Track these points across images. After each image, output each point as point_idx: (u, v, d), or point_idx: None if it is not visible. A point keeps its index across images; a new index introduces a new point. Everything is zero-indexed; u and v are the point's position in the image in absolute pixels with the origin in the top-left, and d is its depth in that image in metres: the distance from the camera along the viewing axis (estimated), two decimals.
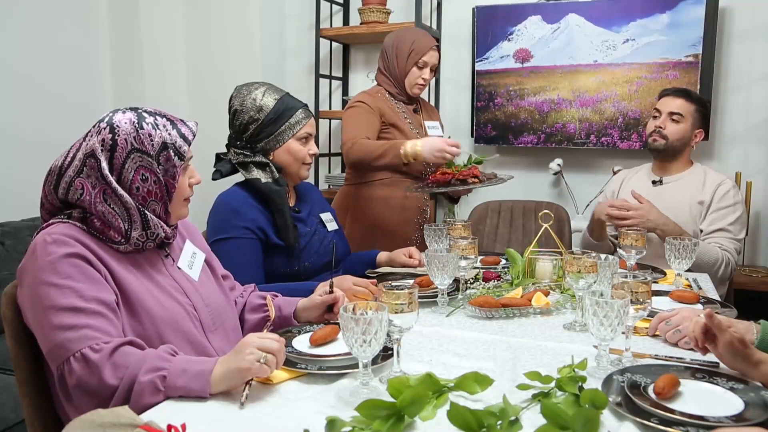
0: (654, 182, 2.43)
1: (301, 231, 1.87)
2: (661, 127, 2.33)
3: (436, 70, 2.46)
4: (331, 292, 1.48)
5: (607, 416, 1.03)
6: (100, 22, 3.48)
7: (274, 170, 1.82)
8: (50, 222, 1.22)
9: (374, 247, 2.17)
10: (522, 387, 1.11)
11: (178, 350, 1.16)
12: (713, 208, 2.30)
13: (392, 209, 2.42)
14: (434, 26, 3.55)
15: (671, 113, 2.33)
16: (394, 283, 1.26)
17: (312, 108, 3.54)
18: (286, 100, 1.84)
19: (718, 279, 2.17)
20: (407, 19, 3.49)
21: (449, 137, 3.46)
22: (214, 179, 1.81)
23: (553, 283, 1.79)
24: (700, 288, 1.87)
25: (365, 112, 2.35)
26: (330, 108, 3.77)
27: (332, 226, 2.02)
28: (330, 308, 1.49)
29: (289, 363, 1.20)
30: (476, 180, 2.17)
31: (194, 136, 1.30)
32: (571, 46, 3.24)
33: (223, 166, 1.83)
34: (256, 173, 1.81)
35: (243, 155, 1.83)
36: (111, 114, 1.24)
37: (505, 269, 1.95)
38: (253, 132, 1.81)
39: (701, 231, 2.30)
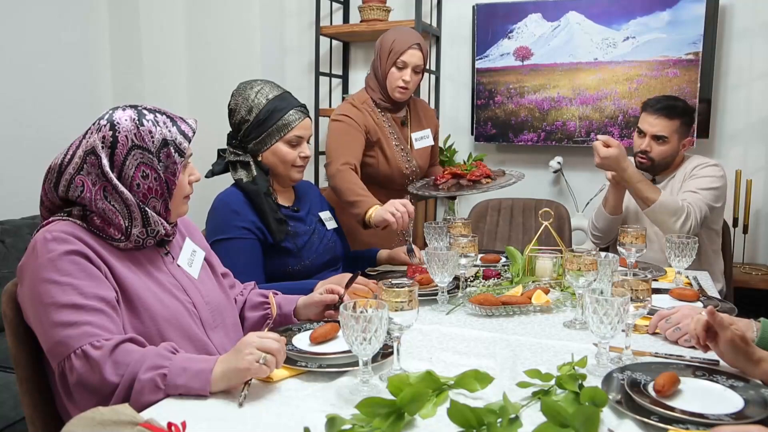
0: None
1: (300, 230, 1.87)
2: (647, 150, 2.30)
3: (421, 72, 2.25)
4: (342, 293, 1.48)
5: (607, 414, 1.04)
6: (100, 20, 3.47)
7: (254, 170, 1.79)
8: (50, 220, 1.22)
9: (358, 246, 2.16)
10: (522, 385, 1.11)
11: (179, 347, 1.16)
12: (689, 177, 2.30)
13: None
14: (434, 24, 3.54)
15: (654, 136, 2.28)
16: (394, 281, 1.26)
17: (312, 106, 3.55)
18: (278, 100, 1.78)
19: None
20: (407, 17, 3.48)
21: (448, 136, 3.52)
22: (206, 177, 1.81)
23: (553, 281, 1.79)
24: (700, 286, 1.87)
25: (352, 130, 2.22)
26: (330, 106, 3.77)
27: (331, 224, 2.02)
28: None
29: (289, 361, 1.20)
30: (489, 180, 2.12)
31: (194, 133, 1.30)
32: (571, 43, 3.24)
33: (217, 165, 1.84)
34: (240, 173, 1.80)
35: (235, 154, 1.83)
36: (111, 111, 1.24)
37: (505, 267, 1.95)
38: (244, 132, 1.80)
39: None
